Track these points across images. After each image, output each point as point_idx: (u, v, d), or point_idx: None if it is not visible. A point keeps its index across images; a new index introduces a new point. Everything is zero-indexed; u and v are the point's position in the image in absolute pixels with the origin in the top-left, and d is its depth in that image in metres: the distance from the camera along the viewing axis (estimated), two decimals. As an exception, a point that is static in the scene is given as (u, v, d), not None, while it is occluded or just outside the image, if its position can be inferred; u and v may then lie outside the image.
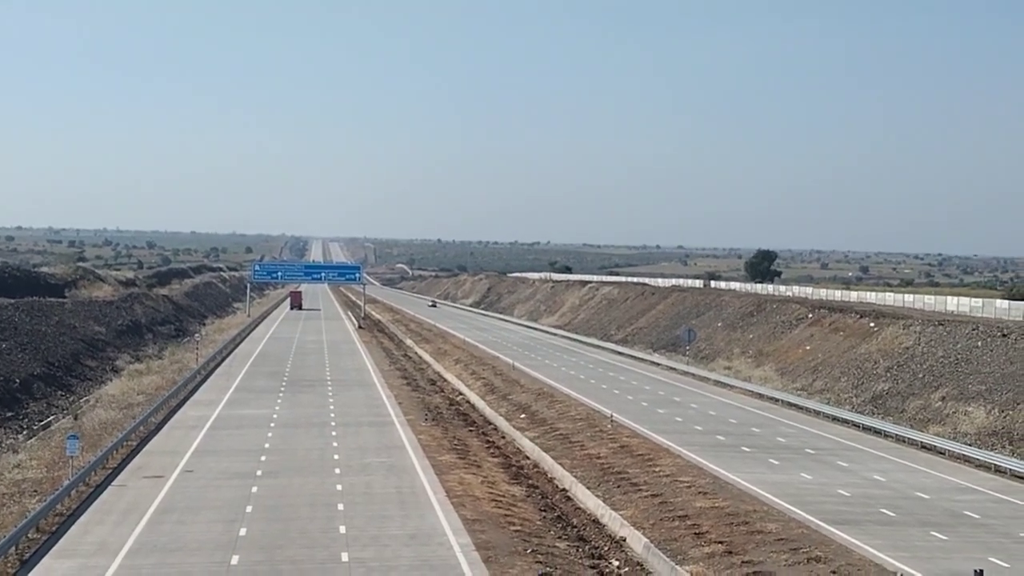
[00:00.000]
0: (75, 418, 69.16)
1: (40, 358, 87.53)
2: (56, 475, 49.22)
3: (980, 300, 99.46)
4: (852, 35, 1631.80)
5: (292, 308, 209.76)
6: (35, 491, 46.66)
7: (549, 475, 54.54)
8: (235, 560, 35.71)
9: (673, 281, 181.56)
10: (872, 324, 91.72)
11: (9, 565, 35.55)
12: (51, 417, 71.92)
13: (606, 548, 40.81)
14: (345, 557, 36.12)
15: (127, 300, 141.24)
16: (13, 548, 36.58)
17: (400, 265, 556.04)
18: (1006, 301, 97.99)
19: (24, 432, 66.17)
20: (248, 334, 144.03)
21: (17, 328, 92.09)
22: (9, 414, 69.63)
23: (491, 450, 61.01)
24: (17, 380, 77.45)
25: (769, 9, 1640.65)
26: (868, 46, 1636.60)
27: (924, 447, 59.78)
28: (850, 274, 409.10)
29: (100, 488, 47.03)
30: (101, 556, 36.28)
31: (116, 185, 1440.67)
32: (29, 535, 38.60)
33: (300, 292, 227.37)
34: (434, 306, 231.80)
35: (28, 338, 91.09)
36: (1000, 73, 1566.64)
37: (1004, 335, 73.88)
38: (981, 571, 32.54)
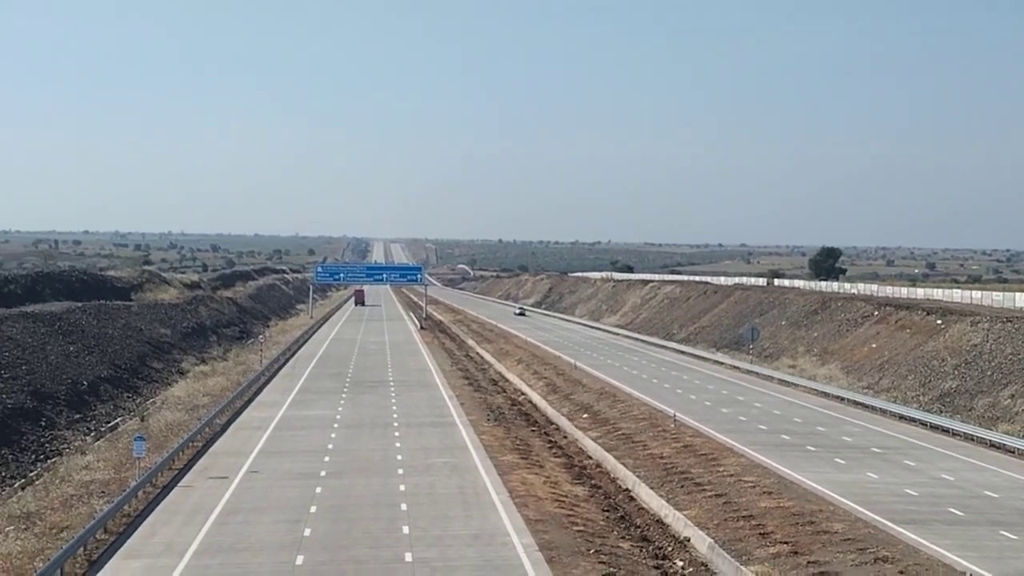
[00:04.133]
0: (141, 420, 69.90)
1: (107, 361, 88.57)
2: (123, 476, 49.79)
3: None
4: (904, 24, 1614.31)
5: (356, 304, 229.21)
6: (103, 492, 47.17)
7: (612, 475, 54.33)
8: (300, 560, 35.93)
9: (736, 279, 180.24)
10: (939, 321, 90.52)
11: (78, 566, 36.00)
12: (118, 419, 72.70)
13: (670, 548, 40.58)
14: (409, 557, 36.22)
15: (192, 303, 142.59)
16: (82, 549, 37.04)
17: (461, 265, 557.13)
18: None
19: (92, 434, 66.95)
20: (311, 335, 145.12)
21: (85, 331, 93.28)
22: (77, 416, 70.44)
23: (553, 450, 60.90)
24: (85, 383, 78.41)
25: (819, 4, 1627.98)
26: (921, 35, 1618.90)
27: (993, 445, 58.90)
28: (916, 271, 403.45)
29: (167, 489, 47.56)
30: (168, 557, 36.67)
31: (180, 188, 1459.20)
32: (97, 536, 39.07)
33: (363, 290, 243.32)
34: (522, 314, 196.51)
35: (95, 341, 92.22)
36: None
37: (1075, 331, 72.61)
38: (1054, 572, 32.00)
